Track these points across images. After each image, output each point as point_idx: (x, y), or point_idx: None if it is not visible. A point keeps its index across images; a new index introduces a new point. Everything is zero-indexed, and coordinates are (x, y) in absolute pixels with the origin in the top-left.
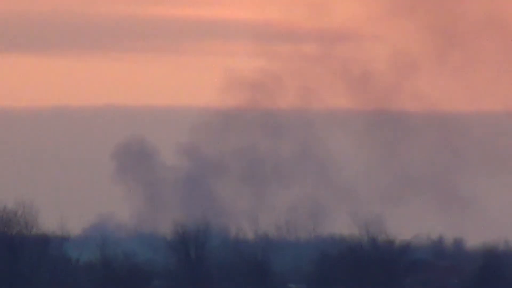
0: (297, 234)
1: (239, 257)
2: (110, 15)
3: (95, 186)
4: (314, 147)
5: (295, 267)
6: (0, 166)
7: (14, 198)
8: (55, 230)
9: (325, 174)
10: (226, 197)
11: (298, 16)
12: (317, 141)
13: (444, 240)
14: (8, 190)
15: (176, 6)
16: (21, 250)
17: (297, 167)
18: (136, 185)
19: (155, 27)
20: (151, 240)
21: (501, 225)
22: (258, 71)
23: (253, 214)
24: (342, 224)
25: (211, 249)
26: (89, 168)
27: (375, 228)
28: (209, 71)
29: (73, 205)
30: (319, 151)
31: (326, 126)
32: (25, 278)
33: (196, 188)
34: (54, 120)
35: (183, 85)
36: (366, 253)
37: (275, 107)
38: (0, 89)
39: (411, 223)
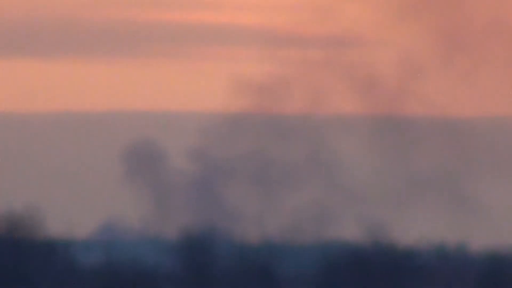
0: (304, 239)
1: (246, 261)
2: (120, 20)
3: (102, 190)
4: (321, 152)
5: (301, 272)
6: (7, 170)
7: (21, 201)
8: (62, 234)
9: (333, 179)
10: (234, 201)
11: (305, 21)
12: (325, 145)
13: (450, 244)
14: (15, 194)
15: (184, 11)
16: (27, 254)
17: (305, 172)
18: (144, 189)
19: (163, 32)
20: (158, 244)
21: (508, 229)
22: (265, 75)
23: (260, 218)
24: (349, 229)
25: (218, 254)
26: (97, 171)
27: (382, 233)
28: (217, 76)
29: (81, 209)
30: (327, 156)
31: (334, 131)
32: (31, 282)
33: (204, 192)
34: (62, 124)
35: (192, 89)
36: (372, 258)
37: (282, 112)
38: (11, 93)
39: (417, 228)
